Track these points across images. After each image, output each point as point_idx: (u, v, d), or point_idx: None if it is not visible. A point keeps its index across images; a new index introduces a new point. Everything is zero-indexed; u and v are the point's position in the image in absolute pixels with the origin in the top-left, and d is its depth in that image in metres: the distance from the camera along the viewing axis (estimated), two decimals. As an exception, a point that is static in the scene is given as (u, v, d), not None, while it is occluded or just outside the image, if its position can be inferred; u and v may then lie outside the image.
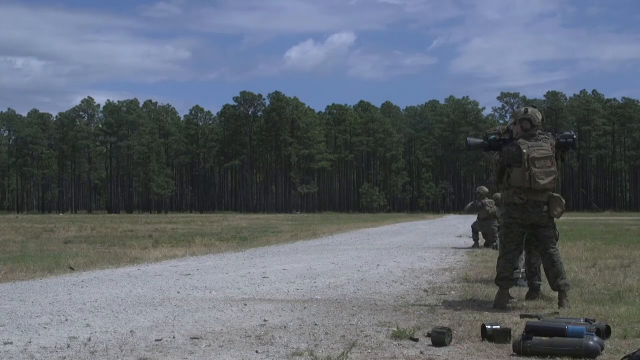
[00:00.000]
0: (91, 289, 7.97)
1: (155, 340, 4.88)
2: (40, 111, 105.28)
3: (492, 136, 6.89)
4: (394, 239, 19.53)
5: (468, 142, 7.03)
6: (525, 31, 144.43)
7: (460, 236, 19.93)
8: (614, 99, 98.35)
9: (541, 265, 7.05)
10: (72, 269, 10.48)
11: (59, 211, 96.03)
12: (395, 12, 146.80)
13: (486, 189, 15.29)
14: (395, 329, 5.15)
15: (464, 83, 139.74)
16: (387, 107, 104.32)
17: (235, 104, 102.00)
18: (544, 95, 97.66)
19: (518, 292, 7.26)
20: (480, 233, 15.59)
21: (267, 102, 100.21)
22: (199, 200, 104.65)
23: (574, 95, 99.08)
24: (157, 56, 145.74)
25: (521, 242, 6.79)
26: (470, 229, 16.00)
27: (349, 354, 4.37)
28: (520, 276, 7.68)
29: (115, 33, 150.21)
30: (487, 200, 15.02)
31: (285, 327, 5.40)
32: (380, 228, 29.73)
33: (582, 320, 4.90)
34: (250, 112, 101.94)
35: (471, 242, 16.02)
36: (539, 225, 6.63)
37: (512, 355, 4.45)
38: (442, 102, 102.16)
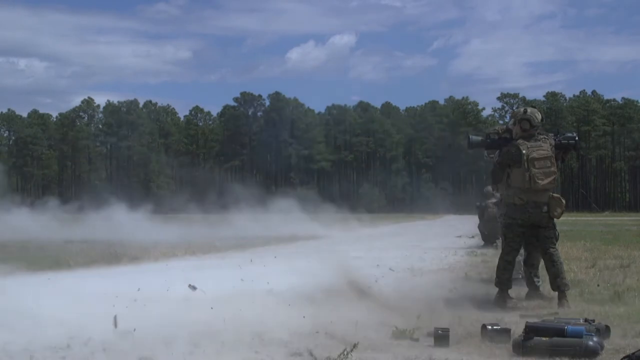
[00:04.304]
0: (91, 288, 7.96)
1: (156, 340, 4.87)
2: (41, 112, 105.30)
3: (493, 136, 6.90)
4: (393, 240, 19.52)
5: (470, 139, 7.02)
6: (525, 32, 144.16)
7: (460, 236, 19.93)
8: (614, 100, 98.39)
9: (541, 265, 7.06)
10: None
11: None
12: (395, 13, 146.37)
13: (491, 189, 15.30)
14: (395, 329, 5.15)
15: (463, 84, 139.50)
16: (387, 108, 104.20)
17: (235, 104, 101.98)
18: (544, 96, 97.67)
19: (518, 292, 7.25)
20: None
21: (267, 103, 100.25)
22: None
23: (574, 95, 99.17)
24: (157, 57, 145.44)
25: (521, 243, 6.79)
26: (477, 230, 16.00)
27: (349, 354, 4.38)
28: (520, 276, 7.68)
29: (116, 34, 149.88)
30: (490, 201, 15.01)
31: (285, 327, 5.40)
32: (380, 229, 29.73)
33: (581, 321, 4.90)
34: (250, 113, 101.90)
35: (471, 242, 16.02)
36: (539, 226, 6.63)
37: (512, 355, 4.45)
38: (442, 102, 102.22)
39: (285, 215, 25.17)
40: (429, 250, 14.76)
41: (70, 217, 28.52)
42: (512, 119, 6.85)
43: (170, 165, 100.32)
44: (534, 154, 6.44)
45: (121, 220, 22.45)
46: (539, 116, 6.67)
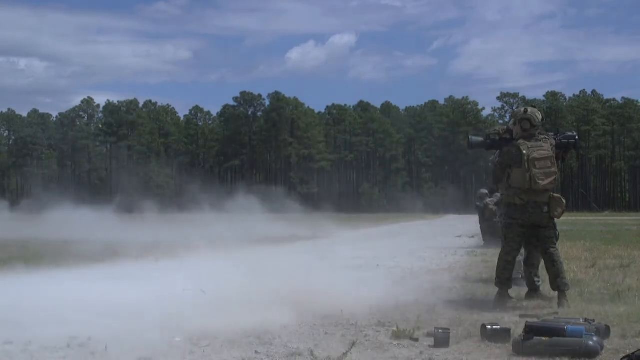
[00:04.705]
0: (91, 288, 7.96)
1: (155, 340, 4.87)
2: (41, 112, 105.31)
3: (493, 136, 6.89)
4: (393, 240, 19.52)
5: (470, 140, 7.02)
6: (525, 32, 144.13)
7: (460, 236, 19.93)
8: (614, 99, 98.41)
9: (541, 265, 7.06)
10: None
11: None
12: (395, 13, 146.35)
13: (485, 191, 15.35)
14: (395, 329, 5.15)
15: (463, 84, 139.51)
16: (387, 108, 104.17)
17: (235, 104, 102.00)
18: (544, 96, 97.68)
19: (518, 292, 7.25)
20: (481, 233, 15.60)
21: (267, 102, 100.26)
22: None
23: (574, 95, 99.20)
24: (157, 57, 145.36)
25: (521, 243, 6.79)
26: (477, 230, 15.99)
27: (349, 354, 4.38)
28: (520, 276, 7.68)
29: (116, 34, 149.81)
30: (488, 200, 15.04)
31: (285, 327, 5.40)
32: (379, 228, 29.71)
33: (581, 320, 4.91)
34: (250, 113, 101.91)
35: (471, 242, 16.02)
36: (539, 226, 6.62)
37: (512, 355, 4.45)
38: (442, 102, 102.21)
39: (250, 215, 24.20)
40: (429, 250, 14.75)
41: (16, 217, 28.39)
42: (513, 119, 6.84)
43: (170, 165, 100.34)
44: (535, 154, 6.43)
45: (66, 220, 22.08)
46: (539, 116, 6.66)
